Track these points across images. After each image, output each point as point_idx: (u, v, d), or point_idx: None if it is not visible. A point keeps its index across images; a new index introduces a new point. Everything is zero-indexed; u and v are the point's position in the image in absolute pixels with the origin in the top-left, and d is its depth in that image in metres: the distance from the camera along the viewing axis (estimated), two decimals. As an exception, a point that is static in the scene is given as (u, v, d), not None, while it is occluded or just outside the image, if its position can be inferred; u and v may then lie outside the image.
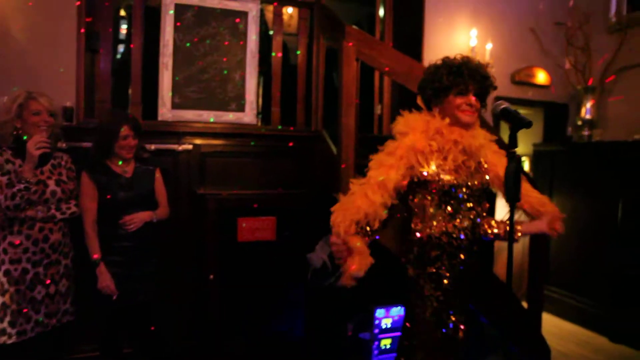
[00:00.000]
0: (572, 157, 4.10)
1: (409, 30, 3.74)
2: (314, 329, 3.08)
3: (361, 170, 2.85)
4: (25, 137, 2.16)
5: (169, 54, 2.86)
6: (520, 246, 3.67)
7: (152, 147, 2.75)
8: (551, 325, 3.97)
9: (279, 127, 3.10)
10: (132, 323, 2.39)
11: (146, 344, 2.45)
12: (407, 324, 1.76)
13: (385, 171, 1.61)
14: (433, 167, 1.64)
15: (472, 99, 1.66)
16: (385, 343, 2.90)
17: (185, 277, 2.91)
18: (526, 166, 4.83)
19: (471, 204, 1.70)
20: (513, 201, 1.33)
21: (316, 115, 3.06)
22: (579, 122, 4.20)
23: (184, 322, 2.92)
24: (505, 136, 1.87)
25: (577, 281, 4.03)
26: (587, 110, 4.13)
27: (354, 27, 2.73)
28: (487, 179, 1.74)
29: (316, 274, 3.06)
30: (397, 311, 2.92)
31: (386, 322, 2.90)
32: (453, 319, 1.72)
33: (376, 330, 2.90)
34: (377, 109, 3.76)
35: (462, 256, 1.71)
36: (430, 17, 3.81)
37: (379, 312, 2.89)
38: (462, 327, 1.73)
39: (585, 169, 3.97)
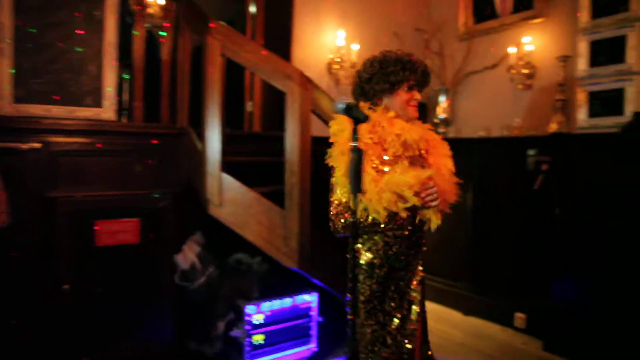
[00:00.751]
0: (431, 152, 4.48)
1: (279, 28, 3.78)
2: (184, 332, 2.99)
3: (231, 167, 2.84)
4: None
5: (8, 38, 2.55)
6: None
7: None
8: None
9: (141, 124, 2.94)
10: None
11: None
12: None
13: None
14: (374, 159, 1.70)
15: (419, 95, 1.80)
16: (258, 339, 2.91)
17: (33, 290, 2.62)
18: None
19: None
20: (355, 192, 1.41)
21: (182, 111, 2.96)
22: (436, 120, 4.60)
23: (33, 341, 2.63)
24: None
25: (436, 265, 4.42)
26: (442, 109, 4.55)
27: (220, 22, 2.69)
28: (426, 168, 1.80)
29: (185, 275, 2.98)
30: (269, 306, 2.95)
31: (257, 318, 2.91)
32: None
33: (247, 327, 2.90)
34: (248, 106, 3.75)
35: (403, 245, 1.79)
36: (300, 16, 3.89)
37: (250, 309, 2.89)
38: None
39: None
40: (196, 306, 3.02)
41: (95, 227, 2.69)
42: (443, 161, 1.84)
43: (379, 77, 1.76)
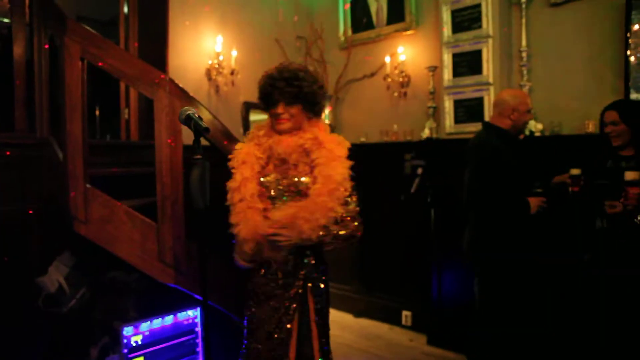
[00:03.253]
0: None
1: (154, 31, 3.60)
2: (54, 362, 2.70)
3: (104, 180, 2.63)
4: None
5: None
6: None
7: None
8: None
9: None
10: None
11: None
12: None
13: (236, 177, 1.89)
14: (256, 169, 1.89)
15: (279, 109, 1.83)
16: (138, 361, 2.73)
17: None
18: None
19: (285, 200, 1.88)
20: (198, 207, 1.37)
21: (41, 119, 2.68)
22: (321, 127, 4.71)
23: None
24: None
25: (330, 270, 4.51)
26: (325, 116, 4.66)
27: (79, 23, 2.48)
28: (300, 179, 1.87)
29: (51, 299, 2.70)
30: (148, 325, 2.78)
31: (136, 340, 2.72)
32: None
33: (125, 350, 2.70)
34: (125, 114, 3.52)
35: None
36: (175, 20, 3.74)
37: (127, 330, 2.69)
38: None
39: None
40: (67, 333, 2.75)
41: None
42: (331, 171, 1.82)
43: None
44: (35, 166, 2.68)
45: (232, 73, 4.00)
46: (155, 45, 3.56)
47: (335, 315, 4.30)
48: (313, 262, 1.94)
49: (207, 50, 3.96)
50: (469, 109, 3.59)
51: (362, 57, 4.53)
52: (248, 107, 4.30)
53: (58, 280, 2.70)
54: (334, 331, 3.58)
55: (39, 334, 2.66)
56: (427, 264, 3.72)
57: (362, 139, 4.41)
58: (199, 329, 3.01)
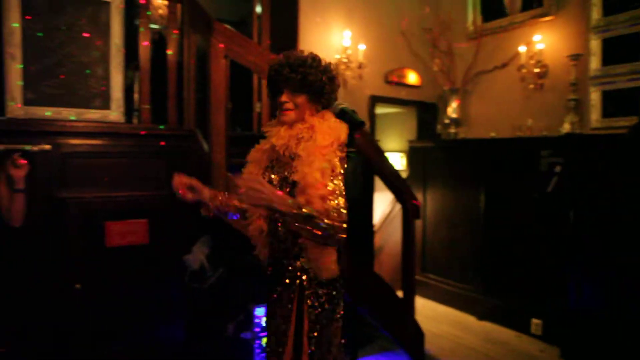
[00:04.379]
0: (441, 153, 4.45)
1: (285, 28, 3.77)
2: (194, 332, 2.99)
3: (237, 169, 2.84)
4: None
5: (17, 43, 2.57)
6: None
7: (1, 147, 2.47)
8: (428, 309, 4.28)
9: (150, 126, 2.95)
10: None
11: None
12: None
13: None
14: (263, 165, 1.77)
15: (282, 97, 1.64)
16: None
17: (45, 289, 2.65)
18: (403, 162, 5.13)
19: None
20: (353, 197, 1.39)
21: (188, 113, 2.96)
22: (447, 121, 4.56)
23: (46, 339, 2.66)
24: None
25: (448, 267, 4.38)
26: (452, 109, 4.50)
27: (224, 24, 2.69)
28: (290, 176, 1.64)
29: (194, 276, 2.98)
30: (276, 308, 2.94)
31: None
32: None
33: (257, 329, 2.89)
34: (257, 107, 3.75)
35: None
36: (305, 16, 3.88)
37: (259, 311, 2.88)
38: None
39: (452, 164, 4.33)
40: (206, 307, 3.02)
41: (106, 228, 2.70)
42: (306, 168, 1.56)
43: None
44: (183, 155, 2.97)
45: (359, 67, 4.05)
46: (286, 42, 3.73)
47: (457, 316, 4.19)
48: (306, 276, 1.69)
49: (334, 45, 4.05)
50: (620, 101, 3.21)
51: (493, 47, 4.28)
52: (374, 100, 4.33)
53: (200, 259, 2.98)
54: (456, 331, 3.46)
55: (185, 306, 2.95)
56: (562, 269, 3.41)
57: (492, 134, 4.17)
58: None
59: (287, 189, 1.62)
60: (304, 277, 1.68)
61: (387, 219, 4.54)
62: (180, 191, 1.77)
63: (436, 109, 4.84)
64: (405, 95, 4.62)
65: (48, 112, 2.72)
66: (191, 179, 1.79)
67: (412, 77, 4.60)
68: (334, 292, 1.71)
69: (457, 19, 4.53)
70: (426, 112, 4.83)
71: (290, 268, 1.69)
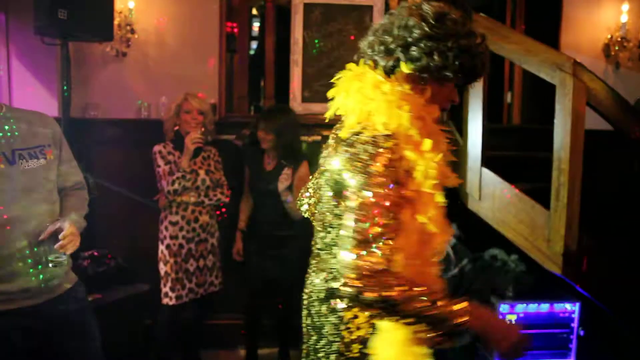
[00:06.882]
0: None
1: (545, 8, 3.47)
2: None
3: (489, 162, 2.79)
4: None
5: (299, 51, 3.05)
6: None
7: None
8: None
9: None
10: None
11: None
12: None
13: None
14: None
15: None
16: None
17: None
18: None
19: None
20: None
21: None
22: None
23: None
24: None
25: None
26: None
27: (482, 14, 2.64)
28: None
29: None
30: (523, 308, 2.81)
31: (510, 318, 2.79)
32: None
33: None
34: (507, 97, 3.59)
35: None
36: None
37: (503, 307, 2.78)
38: None
39: None
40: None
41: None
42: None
43: (462, 67, 1.14)
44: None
45: (639, 46, 3.46)
46: (544, 24, 3.43)
47: None
48: None
49: (606, 22, 3.53)
50: None
51: None
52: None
53: (445, 249, 3.04)
54: None
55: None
56: None
57: None
58: (575, 324, 2.85)
59: None
60: None
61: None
62: None
63: None
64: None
65: (319, 108, 3.16)
66: None
67: None
68: None
69: None
70: None
71: None
